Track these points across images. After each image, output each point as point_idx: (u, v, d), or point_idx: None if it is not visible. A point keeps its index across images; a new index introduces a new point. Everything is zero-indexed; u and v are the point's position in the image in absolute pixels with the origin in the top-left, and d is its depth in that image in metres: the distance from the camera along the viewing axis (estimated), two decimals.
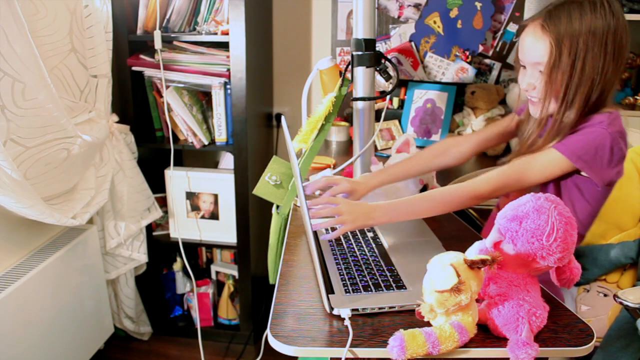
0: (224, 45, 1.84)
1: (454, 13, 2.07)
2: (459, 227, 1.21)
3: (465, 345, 0.73)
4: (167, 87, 1.90)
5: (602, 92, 1.02)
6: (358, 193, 1.19)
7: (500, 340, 0.75)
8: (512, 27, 2.06)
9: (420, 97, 2.06)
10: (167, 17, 1.88)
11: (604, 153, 1.01)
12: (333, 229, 1.01)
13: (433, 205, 1.05)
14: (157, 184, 2.07)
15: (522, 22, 1.11)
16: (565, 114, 1.04)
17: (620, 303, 1.04)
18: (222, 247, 2.20)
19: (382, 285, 0.90)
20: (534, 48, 1.04)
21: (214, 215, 2.06)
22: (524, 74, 1.09)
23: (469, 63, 2.10)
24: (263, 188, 1.31)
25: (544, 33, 1.02)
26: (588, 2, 1.01)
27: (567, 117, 1.04)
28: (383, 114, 1.51)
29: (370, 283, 0.90)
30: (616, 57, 1.01)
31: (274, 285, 0.96)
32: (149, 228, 2.11)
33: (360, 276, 0.93)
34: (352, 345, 0.74)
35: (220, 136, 1.95)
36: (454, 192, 1.04)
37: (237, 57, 1.81)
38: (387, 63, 1.30)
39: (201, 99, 2.03)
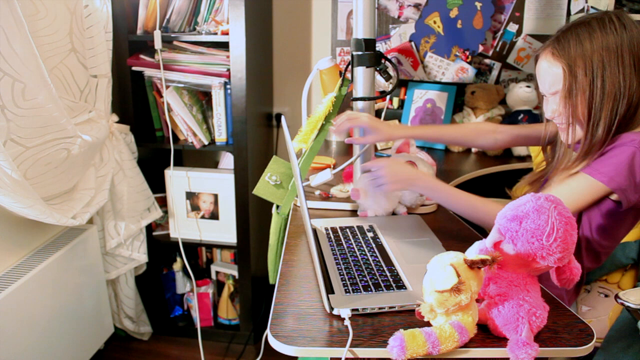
0: (224, 45, 1.84)
1: (454, 13, 2.07)
2: (459, 227, 1.21)
3: (465, 345, 0.73)
4: (167, 87, 1.90)
5: (629, 107, 1.01)
6: (381, 134, 1.24)
7: (500, 340, 0.75)
8: (512, 27, 2.06)
9: (420, 97, 2.06)
10: (167, 17, 1.88)
11: (635, 172, 0.99)
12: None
13: (468, 211, 1.10)
14: (157, 184, 2.07)
15: (535, 52, 1.13)
16: (594, 134, 1.03)
17: (622, 304, 1.04)
18: (222, 247, 2.20)
19: (382, 285, 0.90)
20: (549, 75, 1.05)
21: (214, 215, 2.06)
22: (547, 102, 1.10)
23: (469, 63, 2.10)
24: (263, 188, 1.31)
25: (555, 59, 1.03)
26: (596, 20, 1.01)
27: (596, 136, 1.03)
28: (383, 114, 1.51)
29: (370, 283, 0.90)
30: (638, 68, 1.00)
31: (274, 285, 0.96)
32: (149, 228, 2.11)
33: (360, 276, 0.93)
34: (352, 345, 0.74)
35: (220, 136, 1.95)
36: (492, 211, 1.02)
37: (237, 57, 1.81)
38: (387, 63, 1.30)
39: (201, 99, 2.03)
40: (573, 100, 1.02)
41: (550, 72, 1.04)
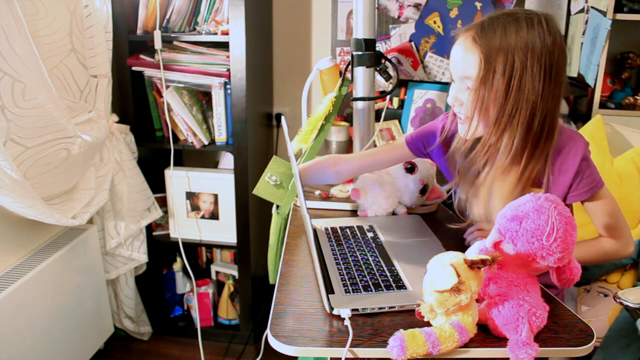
0: (224, 45, 1.84)
1: (454, 13, 2.07)
2: (459, 227, 1.21)
3: (465, 345, 0.73)
4: (167, 87, 1.90)
5: (545, 120, 0.94)
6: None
7: (500, 340, 0.75)
8: None
9: (420, 97, 2.06)
10: (167, 17, 1.88)
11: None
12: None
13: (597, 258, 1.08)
14: (157, 184, 2.07)
15: (454, 32, 1.01)
16: (500, 139, 0.96)
17: (620, 303, 1.04)
18: (222, 247, 2.20)
19: (382, 285, 0.90)
20: (463, 61, 0.96)
21: (214, 215, 2.06)
22: (453, 86, 1.01)
23: None
24: (263, 188, 1.31)
25: (474, 46, 0.94)
26: (525, 18, 0.93)
27: (503, 143, 0.96)
28: (383, 114, 1.51)
29: (370, 283, 0.90)
30: (554, 80, 0.92)
31: (274, 285, 0.96)
32: (149, 228, 2.11)
33: (360, 276, 0.93)
34: (352, 345, 0.74)
35: (220, 136, 1.95)
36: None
37: (237, 57, 1.81)
38: (387, 63, 1.30)
39: (201, 99, 2.03)
40: (481, 93, 0.94)
41: (465, 57, 0.95)
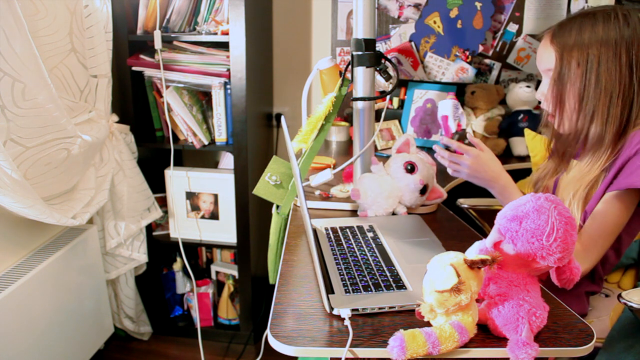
0: (224, 45, 1.84)
1: (454, 13, 2.07)
2: (459, 227, 1.21)
3: (465, 345, 0.73)
4: (167, 87, 1.90)
5: (624, 106, 0.99)
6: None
7: (500, 340, 0.75)
8: (512, 27, 2.06)
9: (420, 97, 2.06)
10: (167, 17, 1.88)
11: None
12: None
13: None
14: (157, 184, 2.07)
15: (539, 34, 1.12)
16: (587, 128, 1.02)
17: (625, 304, 1.04)
18: (222, 247, 2.20)
19: (382, 285, 0.90)
20: (542, 57, 1.06)
21: (214, 215, 2.06)
22: (542, 84, 1.10)
23: (469, 63, 2.10)
24: (263, 188, 1.31)
25: (552, 44, 1.03)
26: (602, 14, 0.99)
27: (593, 133, 1.02)
28: (383, 114, 1.51)
29: (370, 283, 0.90)
30: (634, 68, 0.97)
31: (274, 285, 0.96)
32: (149, 228, 2.11)
33: (360, 276, 0.93)
34: (352, 345, 0.74)
35: (220, 136, 1.95)
36: None
37: (237, 57, 1.81)
38: (387, 63, 1.30)
39: (201, 99, 2.04)
40: (561, 87, 1.02)
41: (545, 53, 1.05)
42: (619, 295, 1.02)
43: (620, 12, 0.99)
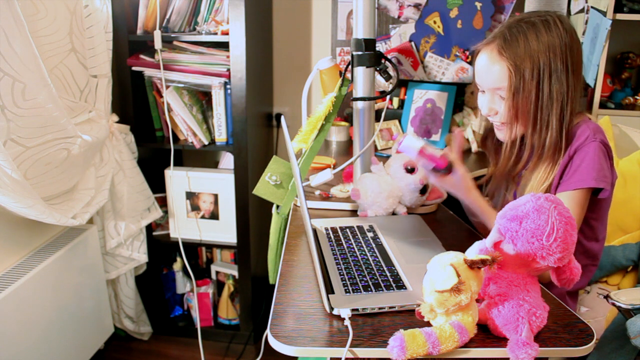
0: (224, 45, 1.84)
1: (454, 13, 2.07)
2: (459, 227, 1.21)
3: (465, 345, 0.73)
4: (167, 87, 1.90)
5: (573, 109, 1.02)
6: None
7: (500, 340, 0.75)
8: None
9: (420, 97, 2.06)
10: (167, 17, 1.88)
11: (606, 162, 1.01)
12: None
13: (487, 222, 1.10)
14: (157, 184, 2.07)
15: (476, 47, 1.09)
16: (545, 137, 1.03)
17: (613, 304, 1.04)
18: (222, 247, 2.20)
19: (382, 285, 0.90)
20: (492, 72, 1.03)
21: (214, 215, 2.06)
22: (484, 97, 1.08)
23: (469, 63, 2.10)
24: (263, 188, 1.31)
25: (501, 58, 1.01)
26: (541, 21, 1.00)
27: (548, 140, 1.03)
28: (383, 114, 1.51)
29: (370, 283, 0.90)
30: (576, 73, 1.00)
31: (274, 285, 0.96)
32: (149, 228, 2.11)
33: (360, 276, 0.93)
34: (352, 345, 0.74)
35: (220, 136, 1.95)
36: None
37: (237, 57, 1.81)
38: (387, 63, 1.30)
39: (201, 99, 2.03)
40: (517, 101, 1.01)
41: (493, 69, 1.02)
42: (607, 296, 1.02)
43: (556, 18, 1.00)
